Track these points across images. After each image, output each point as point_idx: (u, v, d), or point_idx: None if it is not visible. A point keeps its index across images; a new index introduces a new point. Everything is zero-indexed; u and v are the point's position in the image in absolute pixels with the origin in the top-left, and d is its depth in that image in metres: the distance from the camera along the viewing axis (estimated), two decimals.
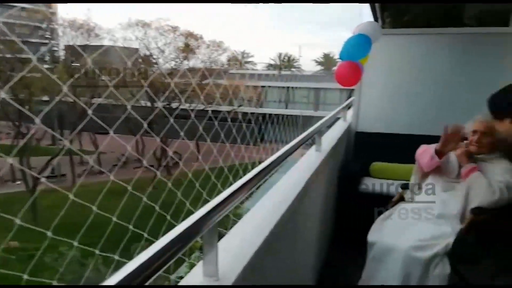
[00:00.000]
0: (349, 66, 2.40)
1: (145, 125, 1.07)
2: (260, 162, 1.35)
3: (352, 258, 2.29)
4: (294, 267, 1.79)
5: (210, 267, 0.93)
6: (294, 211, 1.52)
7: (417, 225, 2.02)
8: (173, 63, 17.97)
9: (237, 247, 1.07)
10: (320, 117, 2.67)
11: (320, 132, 2.35)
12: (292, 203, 1.45)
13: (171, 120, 1.70)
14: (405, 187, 2.36)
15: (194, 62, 17.78)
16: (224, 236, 1.13)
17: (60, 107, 16.94)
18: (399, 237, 1.96)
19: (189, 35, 17.39)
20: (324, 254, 2.78)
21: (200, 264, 0.95)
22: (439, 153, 2.08)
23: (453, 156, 2.14)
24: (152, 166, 14.56)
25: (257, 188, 1.33)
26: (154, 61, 17.98)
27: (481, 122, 2.06)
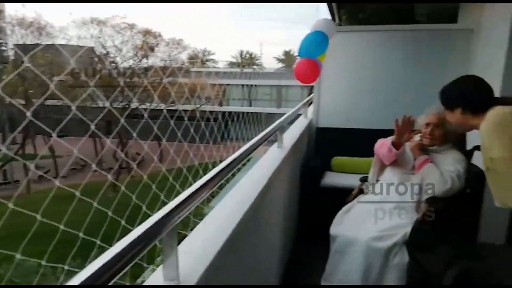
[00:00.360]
0: (307, 63, 2.43)
1: (92, 127, 1.02)
2: (221, 161, 1.33)
3: (317, 253, 2.32)
4: (258, 265, 1.79)
5: (171, 270, 0.90)
6: (257, 209, 1.51)
7: (376, 216, 2.09)
8: (131, 61, 17.43)
9: (198, 248, 1.05)
10: (283, 114, 2.69)
11: (281, 129, 2.37)
12: (254, 201, 1.44)
13: (122, 120, 1.64)
14: (364, 180, 2.43)
15: (154, 60, 17.34)
16: (185, 238, 1.11)
17: (11, 110, 15.94)
18: (359, 229, 2.02)
19: (147, 32, 16.93)
20: (289, 249, 2.81)
21: (161, 268, 0.92)
22: (396, 145, 2.16)
23: (408, 148, 2.24)
24: (111, 168, 14.08)
25: (220, 188, 1.32)
26: (111, 60, 17.34)
27: (433, 115, 2.16)
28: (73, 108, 1.03)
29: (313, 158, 3.59)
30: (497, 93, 2.86)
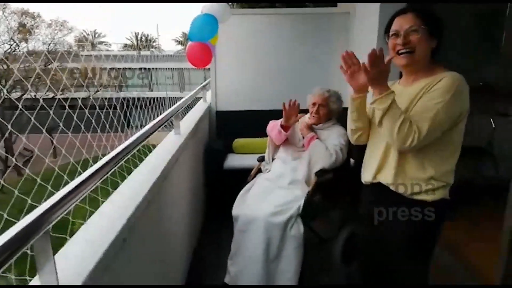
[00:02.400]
0: (198, 47, 2.39)
1: None
2: None
3: (225, 234, 2.36)
4: (163, 254, 1.76)
5: (49, 277, 0.83)
6: (153, 199, 1.47)
7: (273, 193, 2.21)
8: (7, 46, 15.15)
9: (82, 251, 0.97)
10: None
11: (177, 114, 2.31)
12: (148, 192, 1.39)
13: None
14: (261, 159, 2.53)
15: (34, 44, 15.32)
16: (68, 241, 1.03)
17: None
18: (258, 207, 2.11)
19: (24, 13, 14.82)
20: (198, 233, 2.82)
21: (37, 278, 0.84)
22: (285, 127, 2.30)
23: (297, 128, 2.40)
24: None
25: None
26: None
27: (318, 95, 2.34)
28: None
29: (215, 141, 3.61)
30: None
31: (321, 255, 2.56)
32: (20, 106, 1.37)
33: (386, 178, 1.44)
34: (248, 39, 3.75)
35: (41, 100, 1.44)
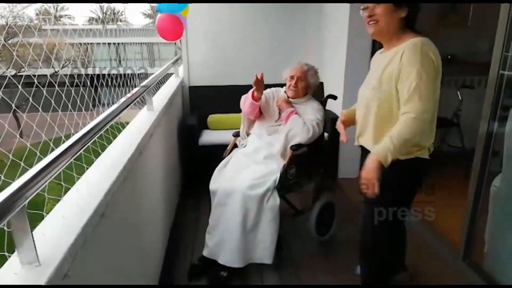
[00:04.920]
0: (168, 19, 2.33)
1: None
2: None
3: (203, 208, 2.38)
4: (140, 230, 1.77)
5: (28, 253, 0.83)
6: (128, 176, 1.46)
7: (249, 167, 2.24)
8: None
9: (60, 227, 0.97)
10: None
11: (149, 90, 2.27)
12: (123, 169, 1.38)
13: None
14: (236, 135, 2.54)
15: None
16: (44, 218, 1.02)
17: None
18: (236, 181, 2.14)
19: None
20: (175, 209, 2.84)
21: (15, 254, 0.84)
22: (255, 98, 2.32)
23: (272, 103, 2.42)
24: None
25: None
26: None
27: (296, 68, 2.36)
28: None
29: (189, 117, 3.58)
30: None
31: (297, 226, 2.64)
32: None
33: (367, 142, 1.60)
34: (220, 11, 3.66)
35: (9, 76, 1.38)
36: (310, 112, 2.32)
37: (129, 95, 1.83)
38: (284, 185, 2.17)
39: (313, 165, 2.43)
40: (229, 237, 2.09)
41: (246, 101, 2.36)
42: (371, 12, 1.45)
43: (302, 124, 2.25)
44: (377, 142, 1.50)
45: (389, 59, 1.47)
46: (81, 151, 1.11)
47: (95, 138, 1.27)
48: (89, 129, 1.23)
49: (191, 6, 2.68)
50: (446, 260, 2.28)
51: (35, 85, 1.28)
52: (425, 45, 1.39)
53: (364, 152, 1.61)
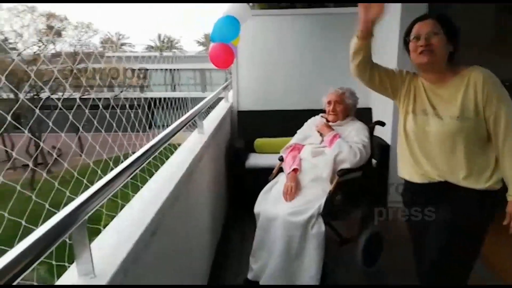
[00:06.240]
0: (220, 48, 2.45)
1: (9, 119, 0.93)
2: None
3: (248, 230, 2.39)
4: (188, 247, 1.82)
5: (85, 265, 0.89)
6: (178, 195, 1.53)
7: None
8: (35, 48, 15.66)
9: (114, 242, 1.04)
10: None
11: (200, 114, 2.37)
12: (174, 188, 1.45)
13: (37, 111, 1.51)
14: (282, 159, 2.55)
15: (62, 46, 15.79)
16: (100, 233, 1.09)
17: None
18: (278, 206, 2.14)
19: (51, 16, 15.29)
20: (221, 230, 2.87)
21: (74, 265, 0.91)
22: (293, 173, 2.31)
23: (315, 129, 2.43)
24: (27, 166, 12.73)
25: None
26: (11, 46, 15.39)
27: (332, 93, 2.37)
28: None
29: (236, 140, 3.67)
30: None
31: (343, 255, 2.56)
32: (60, 106, 1.44)
33: (457, 177, 1.47)
34: (269, 40, 3.79)
35: (78, 100, 1.52)
36: (354, 134, 2.29)
37: (182, 118, 1.93)
38: (329, 212, 2.13)
39: (360, 191, 2.36)
40: (272, 262, 2.07)
41: (286, 165, 2.39)
42: (427, 41, 1.42)
43: (348, 148, 2.22)
44: (471, 175, 1.45)
45: (456, 88, 1.45)
46: (137, 170, 1.18)
47: (150, 159, 1.35)
48: (144, 151, 1.31)
49: (241, 34, 2.80)
50: None
51: (100, 109, 1.40)
52: (491, 74, 1.43)
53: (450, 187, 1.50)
